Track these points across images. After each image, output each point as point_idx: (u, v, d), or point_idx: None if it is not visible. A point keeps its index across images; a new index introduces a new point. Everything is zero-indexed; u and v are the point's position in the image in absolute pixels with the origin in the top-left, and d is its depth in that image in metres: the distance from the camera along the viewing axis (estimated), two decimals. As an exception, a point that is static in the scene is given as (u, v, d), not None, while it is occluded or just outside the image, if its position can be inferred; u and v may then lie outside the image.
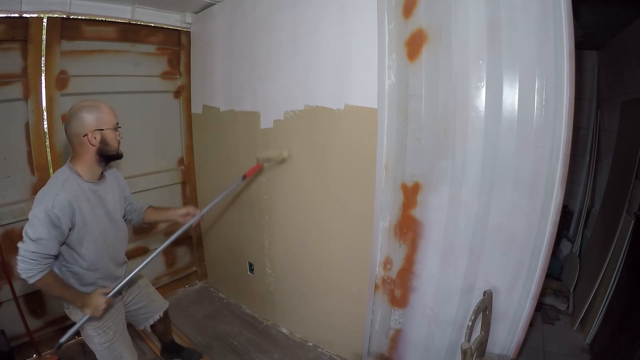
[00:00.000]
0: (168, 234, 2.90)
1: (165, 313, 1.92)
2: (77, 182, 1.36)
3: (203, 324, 2.59)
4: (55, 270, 1.38)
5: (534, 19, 1.37)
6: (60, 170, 1.40)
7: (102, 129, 1.38)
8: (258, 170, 2.30)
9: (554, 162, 1.41)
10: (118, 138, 1.45)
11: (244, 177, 2.15)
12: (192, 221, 1.77)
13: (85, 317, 1.41)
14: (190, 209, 1.77)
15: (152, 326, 1.89)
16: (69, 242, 1.36)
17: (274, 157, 2.24)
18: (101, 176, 1.48)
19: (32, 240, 1.26)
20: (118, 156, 1.47)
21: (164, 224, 2.13)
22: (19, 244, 1.28)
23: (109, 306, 1.44)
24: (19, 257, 1.27)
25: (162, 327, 1.99)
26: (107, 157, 1.43)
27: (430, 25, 1.59)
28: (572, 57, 1.32)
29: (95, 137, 1.36)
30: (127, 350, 1.58)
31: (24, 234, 1.28)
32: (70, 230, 1.33)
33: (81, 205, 1.34)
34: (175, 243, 2.98)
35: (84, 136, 1.35)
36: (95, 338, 1.49)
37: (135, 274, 1.58)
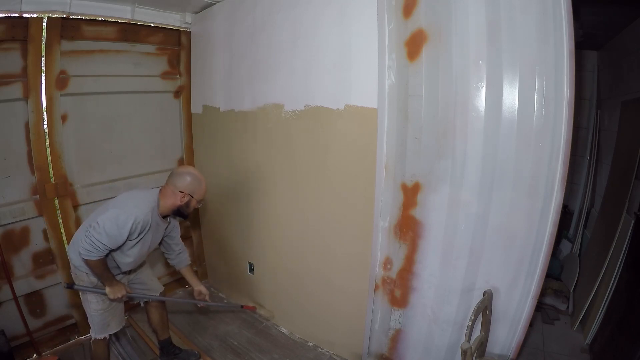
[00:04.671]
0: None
1: (162, 301, 2.10)
2: (155, 212, 1.70)
3: (203, 324, 2.59)
4: None
5: (534, 19, 1.37)
6: (152, 194, 1.72)
7: (192, 197, 1.74)
8: (252, 310, 2.63)
9: (554, 162, 1.41)
10: (197, 207, 1.81)
11: (242, 307, 2.57)
12: (196, 301, 2.12)
13: (103, 291, 1.68)
14: (204, 292, 2.10)
15: (148, 315, 2.11)
16: None
17: (266, 313, 2.60)
18: (167, 218, 1.81)
19: (107, 234, 1.52)
20: (185, 217, 1.83)
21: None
22: (92, 231, 1.52)
23: (121, 298, 1.71)
24: (87, 241, 1.51)
25: (157, 316, 2.09)
26: (180, 214, 1.78)
27: (430, 25, 1.59)
28: (572, 57, 1.32)
29: (184, 198, 1.72)
30: (114, 320, 1.83)
31: (101, 225, 1.52)
32: (131, 240, 1.64)
33: (148, 229, 1.67)
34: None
35: (180, 192, 1.70)
36: (93, 304, 1.74)
37: (150, 297, 1.98)
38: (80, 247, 1.53)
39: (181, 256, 2.05)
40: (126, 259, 1.71)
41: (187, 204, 1.74)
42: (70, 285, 1.70)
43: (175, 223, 1.96)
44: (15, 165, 2.09)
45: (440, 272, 1.74)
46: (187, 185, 1.71)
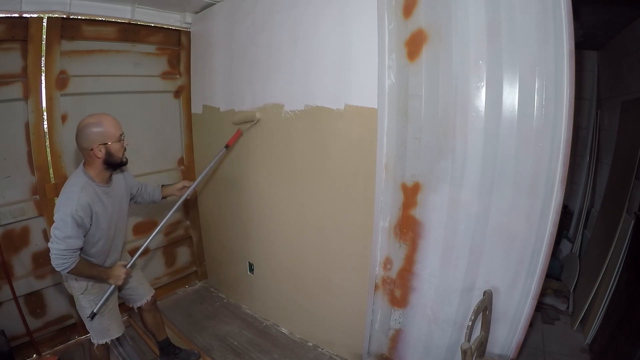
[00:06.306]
0: (167, 233, 2.90)
1: (153, 303, 2.05)
2: (92, 186, 1.54)
3: (203, 324, 2.59)
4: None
5: (534, 19, 1.37)
6: (76, 174, 1.56)
7: (106, 143, 1.52)
8: (238, 137, 2.39)
9: (554, 162, 1.41)
10: (124, 145, 1.59)
11: (227, 146, 2.28)
12: (187, 193, 2.01)
13: (112, 287, 1.66)
14: (185, 182, 2.04)
15: (142, 319, 2.06)
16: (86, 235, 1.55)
17: (248, 119, 2.34)
18: (110, 179, 1.65)
19: (61, 239, 1.43)
20: (123, 164, 1.62)
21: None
22: (49, 244, 1.45)
23: (128, 275, 1.66)
24: (52, 255, 1.45)
25: (151, 319, 2.05)
26: (113, 165, 1.59)
27: (430, 25, 1.59)
28: (572, 57, 1.32)
29: (100, 151, 1.52)
30: (114, 324, 1.77)
31: (52, 235, 1.44)
32: (90, 226, 1.53)
33: (96, 206, 1.54)
34: (175, 243, 3.00)
35: (91, 150, 1.51)
36: (88, 310, 1.66)
37: (146, 245, 1.84)
38: (54, 264, 1.46)
39: (148, 189, 1.96)
40: (98, 241, 1.60)
41: (108, 153, 1.53)
42: (92, 315, 1.63)
43: (127, 177, 1.81)
44: (15, 165, 2.09)
45: (440, 272, 1.74)
46: (92, 139, 1.49)
